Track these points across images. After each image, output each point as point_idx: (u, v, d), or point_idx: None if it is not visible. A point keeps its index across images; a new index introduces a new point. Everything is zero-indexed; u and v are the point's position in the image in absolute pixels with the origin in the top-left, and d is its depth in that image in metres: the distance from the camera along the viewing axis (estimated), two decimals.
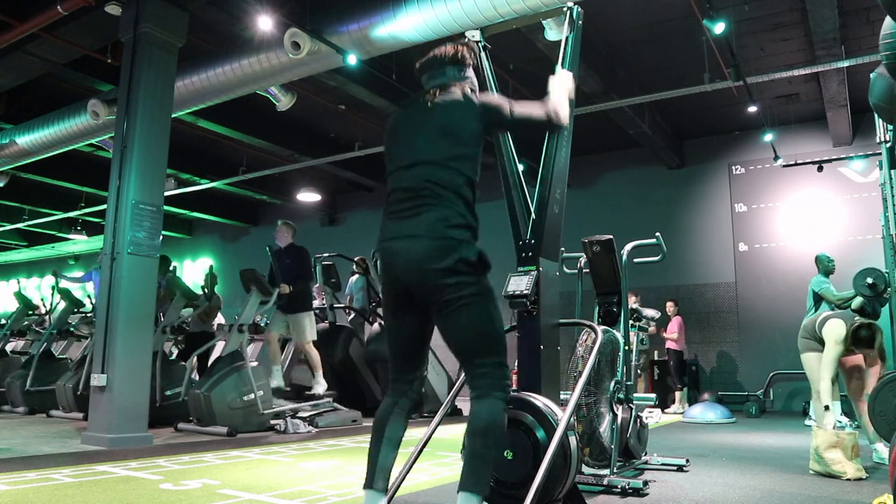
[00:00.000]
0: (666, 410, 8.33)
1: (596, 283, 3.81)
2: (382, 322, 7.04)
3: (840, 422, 6.65)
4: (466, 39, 2.49)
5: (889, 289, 5.22)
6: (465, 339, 2.11)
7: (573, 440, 2.41)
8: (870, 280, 5.29)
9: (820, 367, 4.48)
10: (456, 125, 2.20)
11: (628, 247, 4.00)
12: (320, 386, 6.25)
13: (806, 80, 7.87)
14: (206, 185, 11.19)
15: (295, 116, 8.92)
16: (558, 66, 2.93)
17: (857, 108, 8.07)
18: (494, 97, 2.35)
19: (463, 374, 2.26)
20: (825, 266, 6.88)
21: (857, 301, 5.49)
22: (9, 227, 13.97)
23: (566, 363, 3.31)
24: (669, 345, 8.66)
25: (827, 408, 4.36)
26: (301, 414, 6.01)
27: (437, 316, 2.13)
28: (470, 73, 2.41)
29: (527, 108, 2.31)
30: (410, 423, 2.27)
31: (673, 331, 8.66)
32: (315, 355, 6.29)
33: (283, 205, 13.21)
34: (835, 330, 4.41)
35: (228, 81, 6.29)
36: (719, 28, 5.49)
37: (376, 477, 2.14)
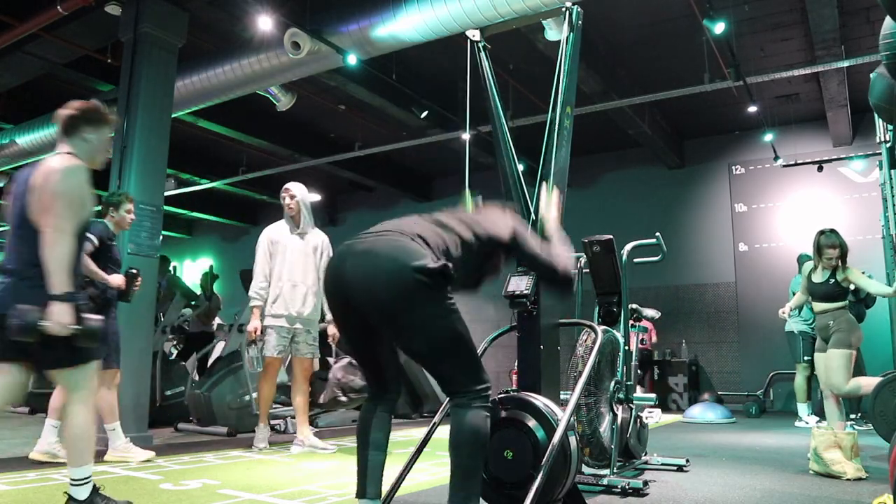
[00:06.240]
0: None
1: (596, 283, 3.81)
2: None
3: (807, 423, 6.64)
4: None
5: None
6: (431, 360, 2.04)
7: (573, 440, 2.41)
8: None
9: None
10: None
11: (628, 247, 4.00)
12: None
13: (806, 80, 7.87)
14: (206, 185, 11.20)
15: (295, 116, 8.91)
16: (543, 189, 2.76)
17: (857, 108, 8.06)
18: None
19: None
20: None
21: None
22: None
23: (566, 363, 3.31)
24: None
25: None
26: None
27: (395, 339, 2.06)
28: None
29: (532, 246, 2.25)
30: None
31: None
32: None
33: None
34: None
35: (228, 81, 6.30)
36: (719, 28, 5.49)
37: (368, 484, 2.11)
